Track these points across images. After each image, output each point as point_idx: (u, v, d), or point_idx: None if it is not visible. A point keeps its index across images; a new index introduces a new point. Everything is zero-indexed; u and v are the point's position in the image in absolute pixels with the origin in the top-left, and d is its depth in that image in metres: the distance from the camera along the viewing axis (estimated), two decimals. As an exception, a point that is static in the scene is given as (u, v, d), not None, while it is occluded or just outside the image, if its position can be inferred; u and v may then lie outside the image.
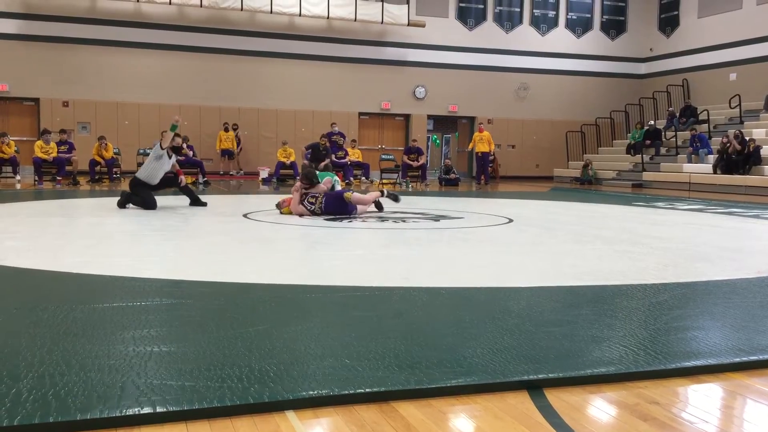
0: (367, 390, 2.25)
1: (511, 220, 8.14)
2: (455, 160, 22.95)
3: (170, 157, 9.01)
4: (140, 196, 8.69)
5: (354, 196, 8.04)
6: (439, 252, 5.64)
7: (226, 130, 18.55)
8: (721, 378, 2.55)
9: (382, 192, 8.81)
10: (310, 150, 16.07)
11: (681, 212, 9.99)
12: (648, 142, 19.51)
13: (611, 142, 22.27)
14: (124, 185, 14.90)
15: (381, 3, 19.98)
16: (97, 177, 15.47)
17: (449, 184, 17.59)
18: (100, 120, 18.41)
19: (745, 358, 2.69)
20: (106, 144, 15.64)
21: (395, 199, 8.81)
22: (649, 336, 2.99)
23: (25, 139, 17.62)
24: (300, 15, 19.49)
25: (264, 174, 17.45)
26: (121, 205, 8.69)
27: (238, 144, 18.93)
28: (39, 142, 14.85)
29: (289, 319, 3.15)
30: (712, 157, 17.21)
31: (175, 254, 5.32)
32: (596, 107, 22.50)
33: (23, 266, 4.47)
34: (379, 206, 8.64)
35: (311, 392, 2.21)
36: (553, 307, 3.61)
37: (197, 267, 4.64)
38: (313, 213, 7.83)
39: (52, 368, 2.37)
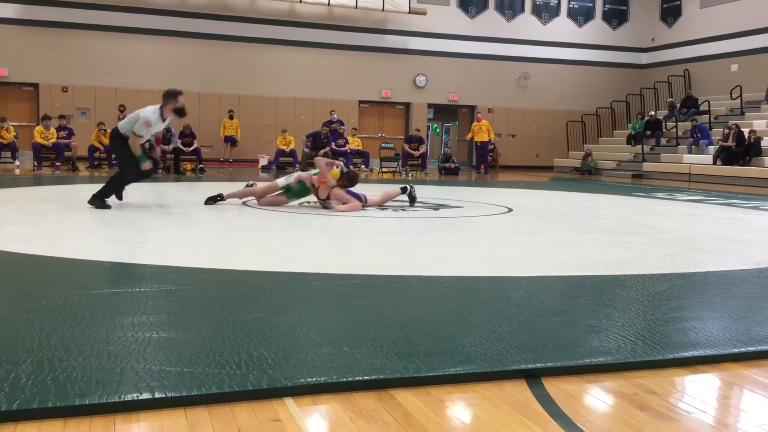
0: (365, 377, 2.25)
1: (510, 210, 8.13)
2: (455, 148, 22.90)
3: (164, 121, 7.45)
4: (126, 169, 7.25)
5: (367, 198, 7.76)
6: (438, 241, 5.64)
7: (231, 117, 18.52)
8: (719, 368, 2.56)
9: (404, 189, 8.12)
10: (311, 138, 16.09)
11: (681, 203, 9.99)
12: (648, 132, 19.47)
13: (612, 132, 22.24)
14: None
15: (382, -10, 19.91)
16: (96, 163, 15.45)
17: (448, 173, 17.55)
18: (99, 106, 18.35)
19: (742, 349, 2.70)
20: (105, 130, 15.58)
21: (411, 197, 8.17)
22: (647, 326, 2.99)
23: (24, 124, 17.57)
24: (300, 1, 19.38)
25: (264, 161, 17.45)
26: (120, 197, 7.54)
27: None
28: (39, 128, 14.81)
29: (288, 307, 3.15)
30: (712, 148, 17.19)
31: (175, 241, 5.31)
32: (597, 97, 22.44)
33: (22, 252, 4.46)
34: (408, 195, 8.17)
35: (310, 379, 2.21)
36: (551, 297, 3.62)
37: (197, 254, 4.64)
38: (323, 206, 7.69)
39: (50, 353, 2.37)
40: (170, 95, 7.32)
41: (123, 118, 15.02)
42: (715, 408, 2.23)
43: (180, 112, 7.38)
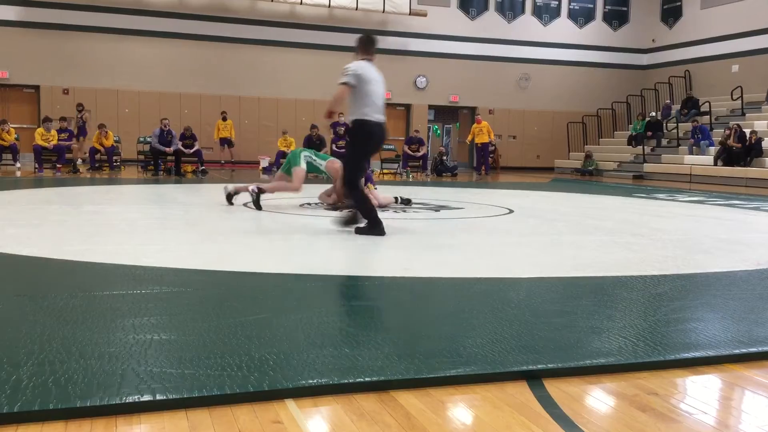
0: (366, 379, 2.25)
1: (511, 211, 8.13)
2: (456, 150, 22.87)
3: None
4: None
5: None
6: (439, 242, 5.64)
7: (224, 119, 18.51)
8: (720, 369, 2.56)
9: (396, 199, 8.33)
10: (306, 141, 16.31)
11: (681, 204, 9.99)
12: (649, 133, 19.48)
13: (612, 134, 22.24)
14: (125, 173, 14.93)
15: (383, -8, 19.92)
16: (97, 165, 15.46)
17: (445, 171, 17.38)
18: (100, 108, 18.36)
19: (744, 350, 2.69)
20: (106, 132, 15.61)
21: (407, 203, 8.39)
22: (648, 327, 2.99)
23: (25, 126, 17.58)
24: (301, 3, 19.40)
25: (264, 163, 17.46)
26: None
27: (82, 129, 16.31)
28: (40, 130, 14.84)
29: (289, 308, 3.15)
30: (713, 149, 17.19)
31: (176, 243, 5.31)
32: (598, 98, 22.44)
33: (23, 254, 4.47)
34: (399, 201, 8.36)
35: (311, 381, 2.21)
36: (552, 298, 3.62)
37: (197, 255, 4.64)
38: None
39: (52, 355, 2.37)
40: (372, 40, 5.74)
41: (84, 118, 13.25)
42: (716, 409, 2.23)
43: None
